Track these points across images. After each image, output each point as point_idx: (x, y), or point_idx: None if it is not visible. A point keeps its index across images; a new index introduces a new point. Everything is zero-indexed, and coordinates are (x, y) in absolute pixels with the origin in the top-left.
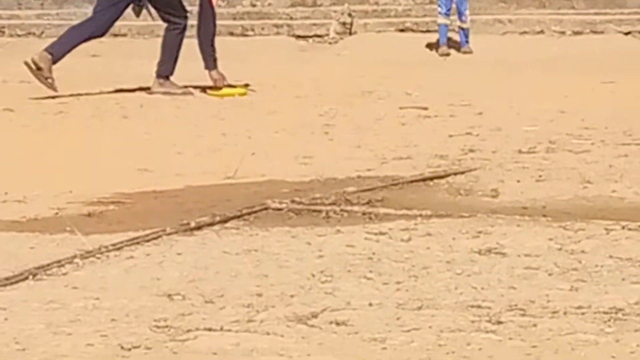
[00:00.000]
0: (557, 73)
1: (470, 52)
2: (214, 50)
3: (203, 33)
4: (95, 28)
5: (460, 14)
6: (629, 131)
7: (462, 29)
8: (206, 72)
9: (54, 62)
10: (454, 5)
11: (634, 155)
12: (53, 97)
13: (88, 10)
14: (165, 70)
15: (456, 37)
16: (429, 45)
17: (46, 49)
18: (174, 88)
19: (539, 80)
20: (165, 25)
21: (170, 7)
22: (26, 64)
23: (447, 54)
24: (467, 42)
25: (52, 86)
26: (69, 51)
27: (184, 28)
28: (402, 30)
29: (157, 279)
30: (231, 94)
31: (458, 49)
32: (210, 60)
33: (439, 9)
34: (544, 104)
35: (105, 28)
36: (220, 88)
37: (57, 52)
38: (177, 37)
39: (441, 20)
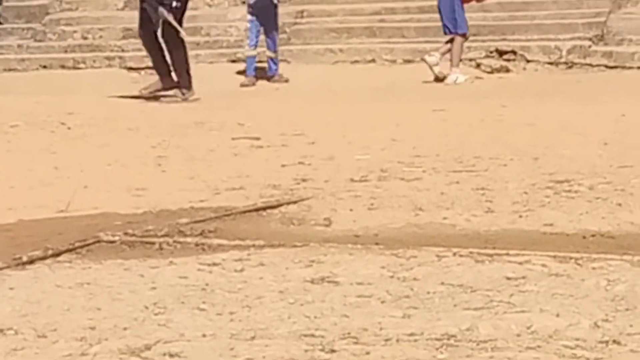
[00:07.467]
0: (388, 101)
1: (285, 80)
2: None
3: None
4: None
5: (268, 44)
6: (459, 158)
7: (271, 58)
8: None
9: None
10: (262, 37)
11: (464, 182)
12: None
13: None
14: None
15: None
16: (261, 76)
17: None
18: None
19: (371, 109)
20: None
21: None
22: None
23: (252, 84)
24: (276, 70)
25: None
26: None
27: None
28: (233, 61)
29: None
30: None
31: (270, 78)
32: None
33: (247, 40)
34: (375, 133)
35: None
36: None
37: None
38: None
39: (248, 52)
